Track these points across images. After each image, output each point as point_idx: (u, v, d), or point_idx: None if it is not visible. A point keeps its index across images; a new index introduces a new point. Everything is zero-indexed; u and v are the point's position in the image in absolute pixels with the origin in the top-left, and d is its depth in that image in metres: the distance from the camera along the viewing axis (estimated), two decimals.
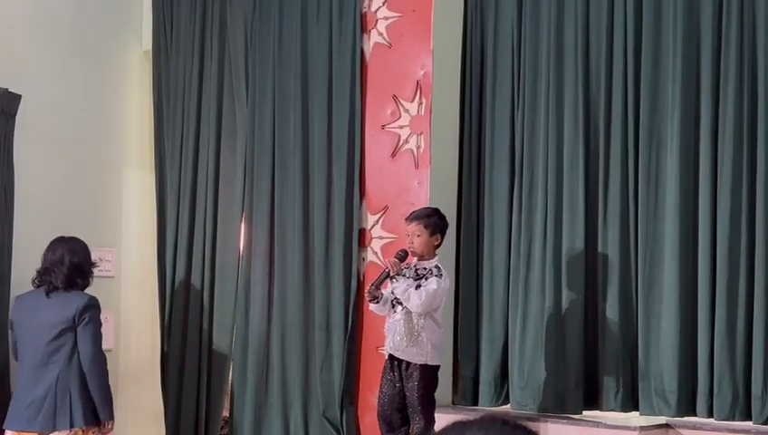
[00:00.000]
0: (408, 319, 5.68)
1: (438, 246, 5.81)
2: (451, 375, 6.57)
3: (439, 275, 5.68)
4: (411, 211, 5.95)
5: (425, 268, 5.73)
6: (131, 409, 7.52)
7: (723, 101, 5.92)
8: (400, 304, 5.70)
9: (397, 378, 5.75)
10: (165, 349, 7.48)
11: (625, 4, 6.23)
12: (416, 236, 5.74)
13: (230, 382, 7.24)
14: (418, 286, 5.64)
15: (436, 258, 5.81)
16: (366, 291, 5.93)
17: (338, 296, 6.73)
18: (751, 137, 5.86)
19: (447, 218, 5.90)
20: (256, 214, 7.14)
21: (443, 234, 5.81)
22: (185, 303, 7.44)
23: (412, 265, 5.78)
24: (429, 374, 5.72)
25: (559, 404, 6.20)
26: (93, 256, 6.19)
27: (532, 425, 1.87)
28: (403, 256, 5.74)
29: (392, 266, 5.67)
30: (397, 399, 5.76)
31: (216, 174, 7.40)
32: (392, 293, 5.71)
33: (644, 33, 6.16)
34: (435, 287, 5.62)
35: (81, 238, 6.15)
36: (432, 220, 5.76)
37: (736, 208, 5.83)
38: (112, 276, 7.47)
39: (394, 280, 5.68)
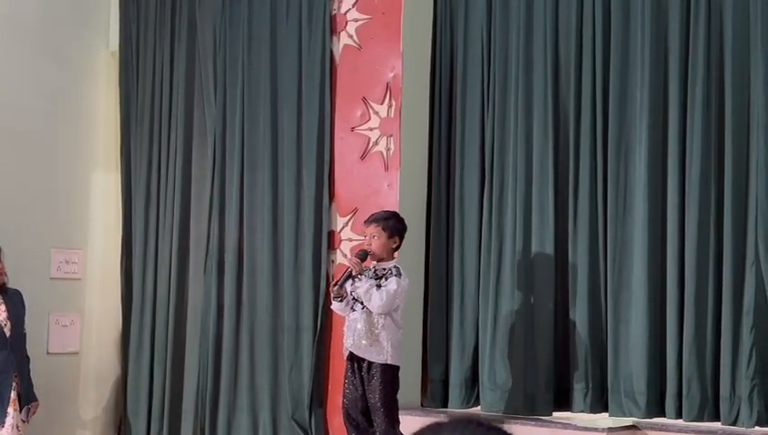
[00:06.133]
0: (368, 319, 5.70)
1: (397, 248, 5.85)
2: (420, 377, 6.57)
3: (399, 275, 5.72)
4: (371, 214, 5.96)
5: (384, 269, 5.76)
6: (94, 410, 7.47)
7: (690, 106, 5.96)
8: (359, 302, 5.71)
9: (358, 381, 5.77)
10: (129, 352, 7.42)
11: (593, 9, 6.26)
12: (373, 238, 5.78)
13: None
14: (379, 286, 5.67)
15: (395, 260, 5.83)
16: (330, 289, 5.93)
17: (307, 298, 6.71)
18: (718, 141, 5.89)
19: (417, 220, 5.88)
20: (226, 216, 7.11)
21: (401, 237, 5.84)
22: (153, 306, 7.39)
23: (371, 267, 5.80)
24: (390, 374, 5.73)
25: (528, 406, 6.21)
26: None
27: (505, 427, 1.86)
28: (364, 255, 5.76)
29: (354, 266, 5.69)
30: (360, 402, 5.77)
31: (185, 176, 7.36)
32: (352, 292, 5.72)
33: (612, 38, 6.19)
34: (395, 287, 5.66)
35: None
36: (390, 223, 5.80)
37: (704, 213, 5.86)
38: (79, 278, 7.40)
39: (356, 279, 5.70)
